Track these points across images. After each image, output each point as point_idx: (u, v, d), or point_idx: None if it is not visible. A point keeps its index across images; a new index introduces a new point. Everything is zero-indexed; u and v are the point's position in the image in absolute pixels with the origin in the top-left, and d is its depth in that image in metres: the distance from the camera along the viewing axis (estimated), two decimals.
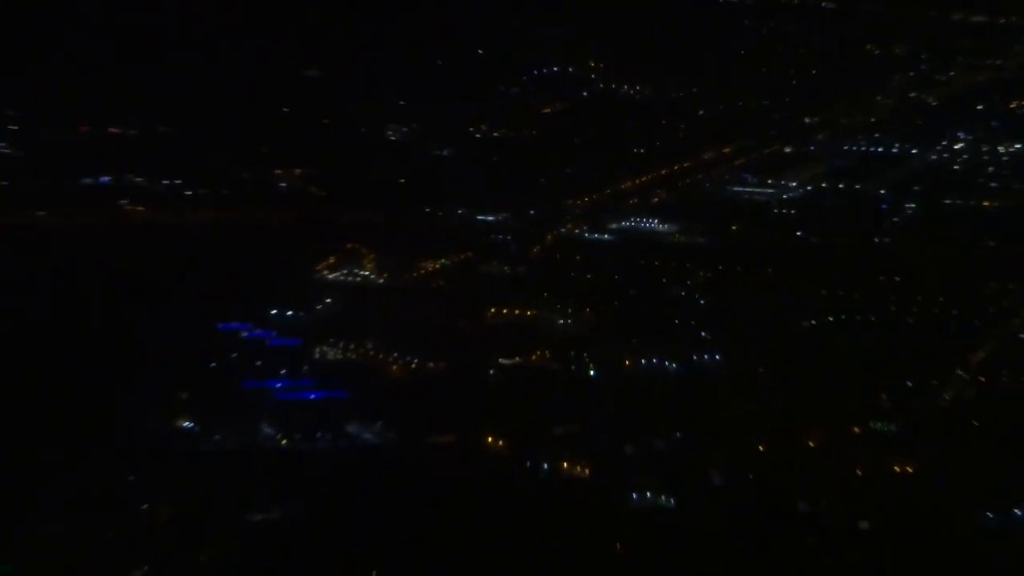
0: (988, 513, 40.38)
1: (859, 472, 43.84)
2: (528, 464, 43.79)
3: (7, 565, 36.02)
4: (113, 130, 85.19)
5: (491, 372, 54.20)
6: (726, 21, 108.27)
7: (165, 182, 78.73)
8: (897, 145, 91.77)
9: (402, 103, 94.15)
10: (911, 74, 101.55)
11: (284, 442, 45.17)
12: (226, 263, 65.66)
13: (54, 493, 38.73)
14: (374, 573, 35.53)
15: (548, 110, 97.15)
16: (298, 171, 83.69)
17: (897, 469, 43.95)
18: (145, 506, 39.14)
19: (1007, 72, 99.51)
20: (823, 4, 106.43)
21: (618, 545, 38.42)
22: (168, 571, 35.71)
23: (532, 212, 78.78)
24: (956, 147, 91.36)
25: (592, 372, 54.21)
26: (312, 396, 48.82)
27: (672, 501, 41.12)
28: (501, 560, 36.41)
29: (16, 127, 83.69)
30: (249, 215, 76.72)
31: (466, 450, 45.27)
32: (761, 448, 45.67)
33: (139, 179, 78.38)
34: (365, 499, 40.82)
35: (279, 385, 49.82)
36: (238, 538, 38.02)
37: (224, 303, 58.87)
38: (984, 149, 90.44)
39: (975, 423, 48.81)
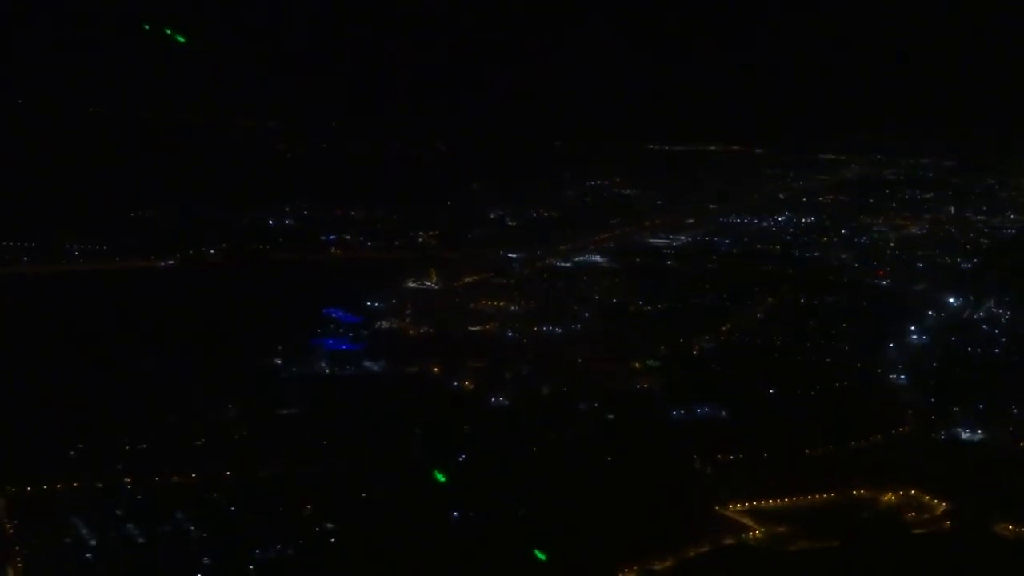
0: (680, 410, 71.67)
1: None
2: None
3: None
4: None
5: (455, 335, 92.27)
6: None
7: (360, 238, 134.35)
8: (748, 218, 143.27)
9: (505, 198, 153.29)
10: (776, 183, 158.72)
11: (327, 371, 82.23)
12: (358, 274, 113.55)
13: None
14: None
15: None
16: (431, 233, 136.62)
17: (644, 386, 75.93)
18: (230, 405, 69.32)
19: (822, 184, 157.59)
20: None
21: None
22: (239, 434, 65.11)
23: (537, 252, 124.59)
24: (780, 219, 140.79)
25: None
26: (345, 347, 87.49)
27: None
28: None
29: None
30: (392, 253, 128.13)
31: (422, 375, 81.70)
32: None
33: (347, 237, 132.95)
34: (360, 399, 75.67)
35: (330, 342, 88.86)
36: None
37: (340, 298, 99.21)
38: (795, 220, 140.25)
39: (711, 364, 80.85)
